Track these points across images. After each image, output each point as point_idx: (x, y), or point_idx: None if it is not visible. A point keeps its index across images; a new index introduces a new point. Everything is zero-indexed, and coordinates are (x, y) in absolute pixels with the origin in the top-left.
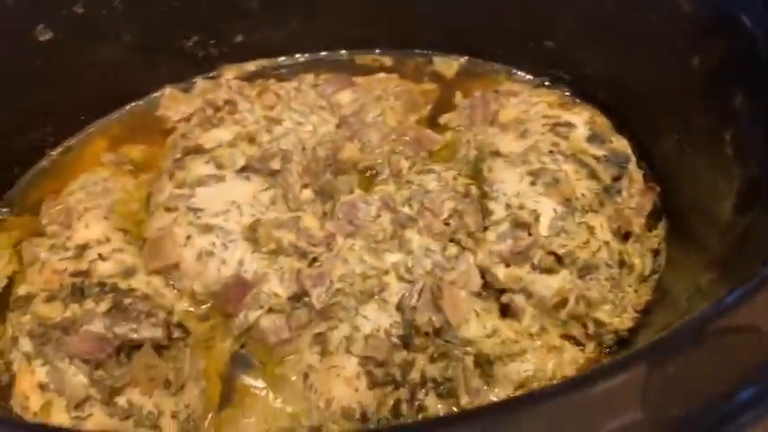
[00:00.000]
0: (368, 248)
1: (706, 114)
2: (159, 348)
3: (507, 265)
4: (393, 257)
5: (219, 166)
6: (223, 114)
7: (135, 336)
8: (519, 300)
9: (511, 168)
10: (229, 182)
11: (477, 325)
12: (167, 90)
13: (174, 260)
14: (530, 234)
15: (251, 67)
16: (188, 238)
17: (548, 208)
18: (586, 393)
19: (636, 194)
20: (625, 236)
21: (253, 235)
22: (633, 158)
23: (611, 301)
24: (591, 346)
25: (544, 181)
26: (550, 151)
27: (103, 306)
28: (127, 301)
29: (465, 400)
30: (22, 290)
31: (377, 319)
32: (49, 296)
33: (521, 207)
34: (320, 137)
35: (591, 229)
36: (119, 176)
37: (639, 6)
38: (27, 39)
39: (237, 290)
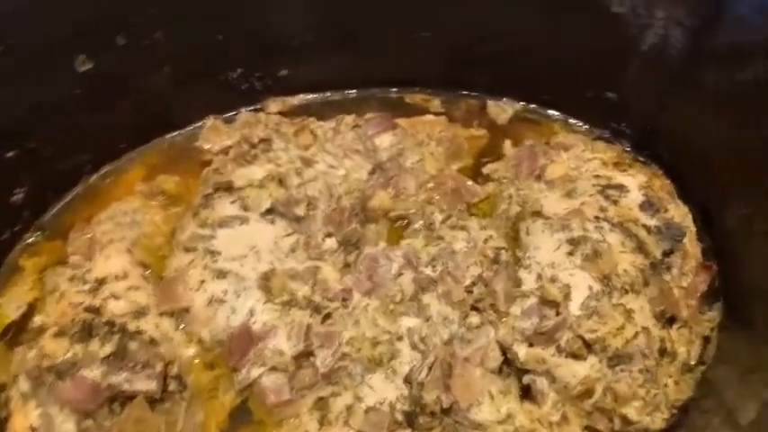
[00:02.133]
0: (383, 310)
1: None
2: (154, 401)
3: (530, 345)
4: (409, 322)
5: (245, 208)
6: (257, 151)
7: (128, 387)
8: (541, 383)
9: (549, 233)
10: (253, 224)
11: (491, 408)
12: (209, 120)
13: (185, 304)
14: (558, 313)
15: (295, 101)
16: (201, 282)
17: (582, 284)
18: None
19: (689, 273)
20: (670, 320)
21: (266, 284)
22: (692, 230)
23: (641, 397)
24: None
25: (583, 252)
26: (596, 217)
27: (107, 349)
28: (132, 345)
29: None
30: (37, 320)
31: (382, 391)
32: (59, 331)
33: (553, 280)
34: (350, 183)
35: (628, 313)
36: (148, 208)
37: (717, 63)
38: (68, 68)
39: (242, 343)
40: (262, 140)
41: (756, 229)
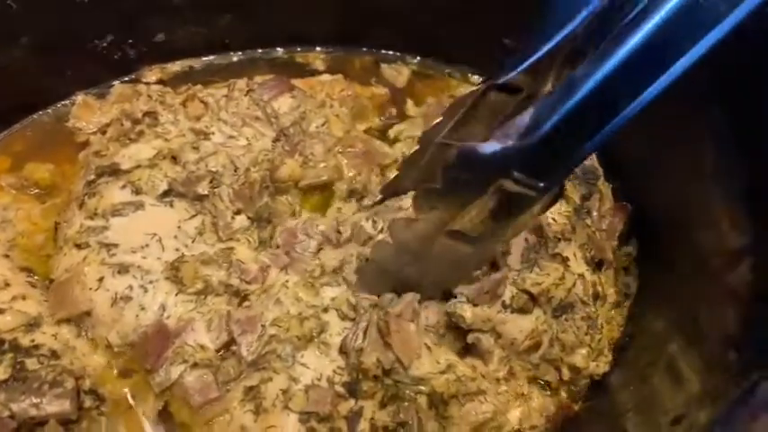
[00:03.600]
0: (303, 284)
1: (680, 124)
2: (68, 423)
3: (474, 305)
4: (332, 292)
5: (137, 191)
6: (143, 127)
7: (37, 413)
8: (487, 341)
9: None
10: (149, 209)
11: (430, 360)
12: (79, 97)
13: (85, 307)
14: (498, 269)
15: (175, 67)
16: (100, 280)
17: (518, 237)
18: None
19: (607, 214)
20: (598, 264)
21: (176, 274)
22: (601, 173)
23: (587, 344)
24: (562, 390)
25: None
26: None
27: (1, 372)
28: (30, 363)
29: None
30: None
31: (318, 367)
32: None
33: None
34: (256, 154)
35: (565, 262)
36: (21, 203)
37: None
38: None
39: (158, 341)
40: (146, 114)
41: (654, 168)
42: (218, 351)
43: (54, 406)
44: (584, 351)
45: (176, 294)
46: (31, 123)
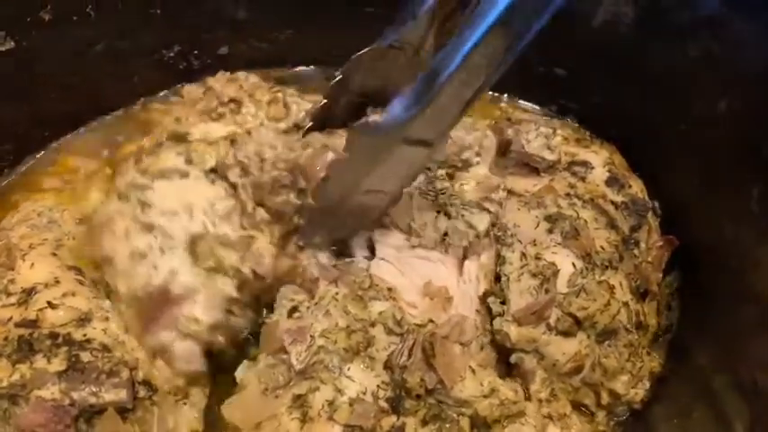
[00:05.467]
0: (352, 297)
1: (731, 163)
2: (124, 411)
3: (520, 324)
4: (380, 306)
5: (188, 161)
6: (225, 111)
7: (96, 400)
8: (530, 361)
9: (525, 210)
10: (192, 181)
11: (474, 383)
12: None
13: (109, 253)
14: (546, 291)
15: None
16: (127, 233)
17: (566, 262)
18: None
19: (653, 246)
20: (643, 294)
21: (193, 247)
22: (651, 206)
23: (629, 371)
24: (601, 416)
25: (562, 229)
26: (567, 194)
27: (57, 363)
28: (84, 356)
29: None
30: None
31: (363, 380)
32: None
33: (537, 258)
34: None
35: (611, 289)
36: (67, 204)
37: (665, 39)
38: None
39: (158, 304)
40: (231, 100)
41: (701, 206)
42: (211, 327)
43: (111, 394)
44: (625, 378)
45: (189, 266)
46: (98, 126)
